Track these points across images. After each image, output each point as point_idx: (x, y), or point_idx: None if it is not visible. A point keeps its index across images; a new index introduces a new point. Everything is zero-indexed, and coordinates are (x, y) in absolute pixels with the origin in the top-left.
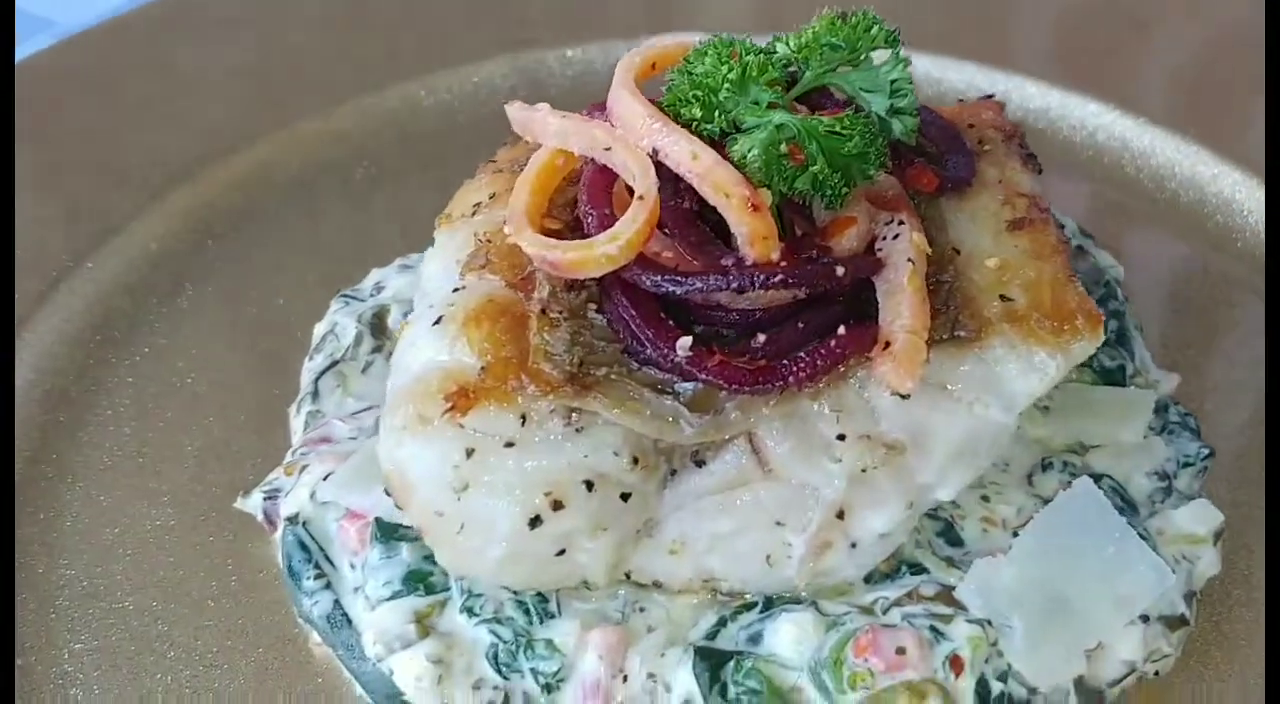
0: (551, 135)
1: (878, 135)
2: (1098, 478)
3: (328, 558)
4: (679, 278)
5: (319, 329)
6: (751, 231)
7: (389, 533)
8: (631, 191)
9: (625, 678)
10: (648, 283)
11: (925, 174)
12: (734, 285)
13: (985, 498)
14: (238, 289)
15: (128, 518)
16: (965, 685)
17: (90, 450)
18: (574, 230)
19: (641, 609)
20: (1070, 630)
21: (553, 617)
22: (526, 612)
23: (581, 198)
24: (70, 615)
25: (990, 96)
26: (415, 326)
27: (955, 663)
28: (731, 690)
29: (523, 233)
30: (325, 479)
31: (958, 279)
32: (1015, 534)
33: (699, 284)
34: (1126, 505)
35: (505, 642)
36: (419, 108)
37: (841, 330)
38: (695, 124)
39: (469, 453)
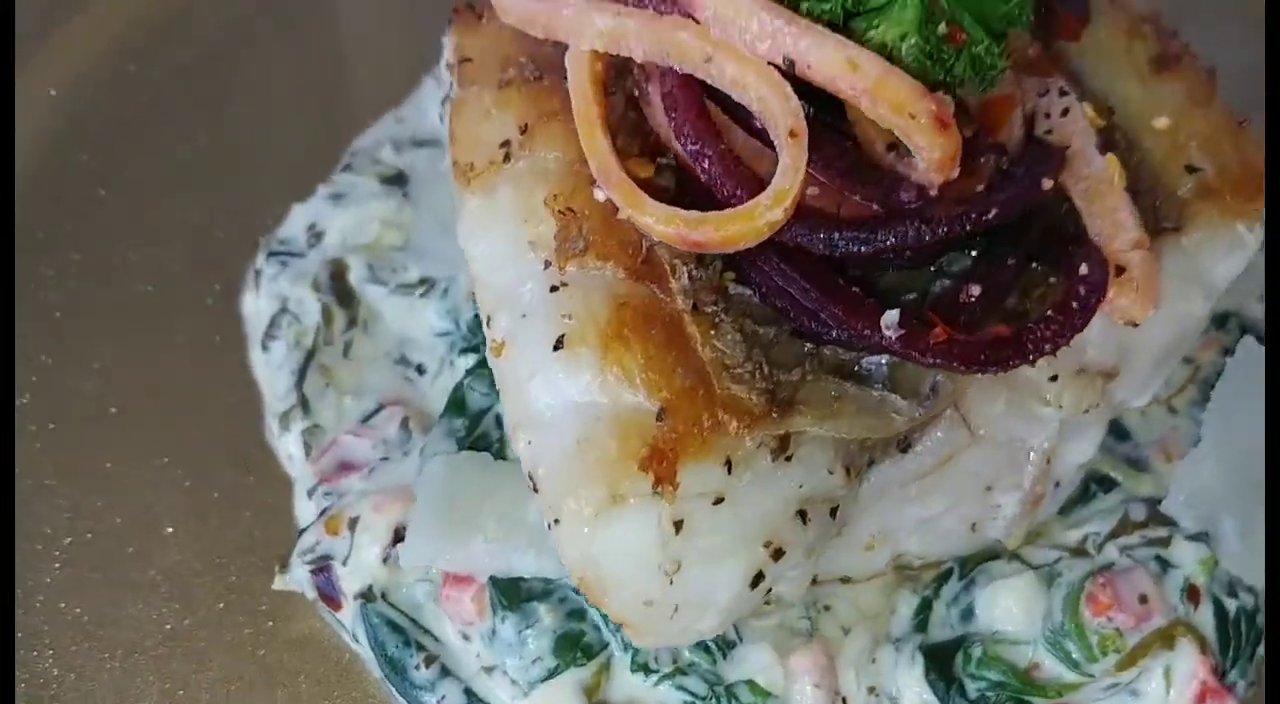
0: (593, 36)
1: None
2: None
3: (425, 630)
4: (866, 233)
5: (253, 306)
6: (944, 155)
7: (514, 596)
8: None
9: (844, 701)
10: (820, 244)
11: (1065, 18)
12: (940, 233)
13: None
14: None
15: (108, 651)
16: (1205, 615)
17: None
18: (661, 170)
19: (826, 608)
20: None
21: (733, 645)
22: (706, 650)
23: (682, 132)
24: None
25: None
26: (519, 346)
27: (1191, 593)
28: (971, 688)
29: (643, 205)
30: (395, 541)
31: (1133, 151)
32: (1170, 408)
33: (897, 237)
34: None
35: (701, 698)
36: None
37: (1084, 270)
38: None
39: (678, 526)
